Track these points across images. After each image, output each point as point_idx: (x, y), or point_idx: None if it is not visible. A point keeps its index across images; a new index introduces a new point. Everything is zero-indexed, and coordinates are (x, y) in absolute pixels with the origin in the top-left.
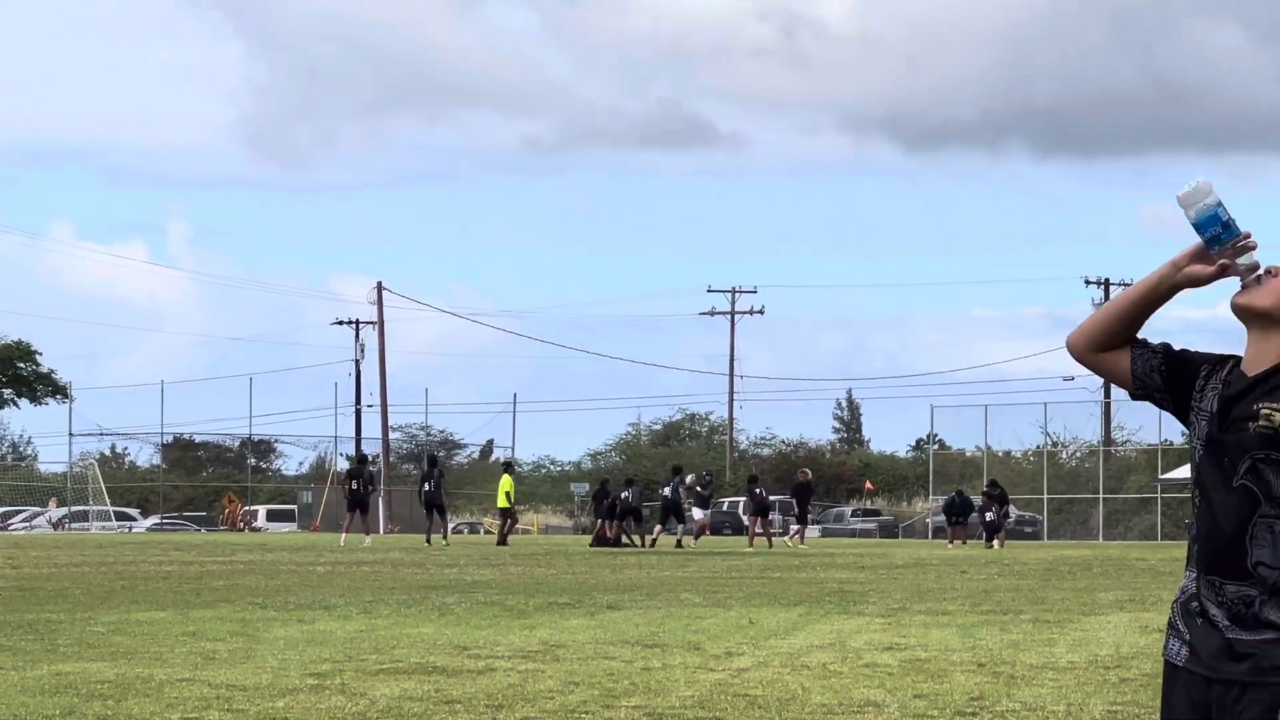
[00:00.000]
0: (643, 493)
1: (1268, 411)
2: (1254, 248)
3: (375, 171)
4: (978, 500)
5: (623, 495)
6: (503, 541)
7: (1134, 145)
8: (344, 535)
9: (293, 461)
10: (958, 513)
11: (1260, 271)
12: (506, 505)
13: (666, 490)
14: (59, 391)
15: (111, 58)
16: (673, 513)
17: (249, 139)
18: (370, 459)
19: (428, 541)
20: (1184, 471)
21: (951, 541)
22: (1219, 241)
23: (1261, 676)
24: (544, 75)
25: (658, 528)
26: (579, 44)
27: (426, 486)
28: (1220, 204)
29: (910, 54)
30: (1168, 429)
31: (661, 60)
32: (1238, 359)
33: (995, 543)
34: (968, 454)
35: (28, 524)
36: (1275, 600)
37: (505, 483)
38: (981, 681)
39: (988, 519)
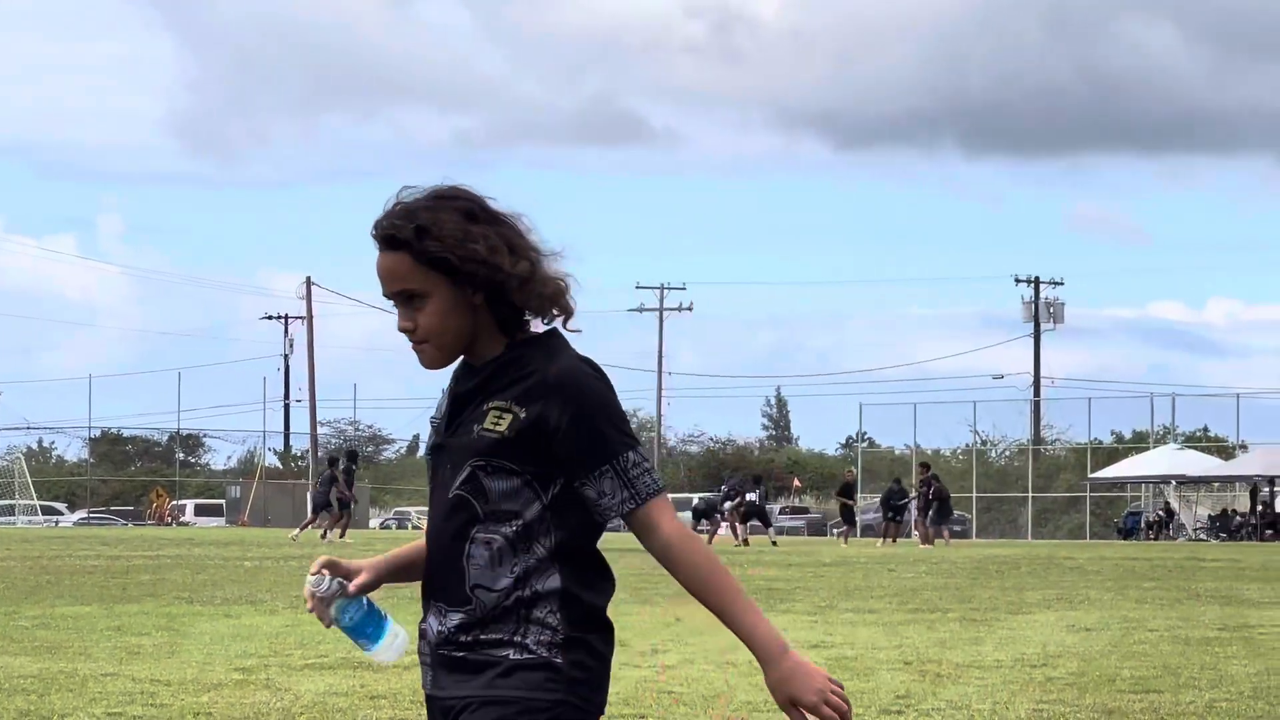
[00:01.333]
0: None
1: (496, 413)
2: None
3: (307, 167)
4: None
5: (748, 496)
6: None
7: (1067, 143)
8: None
9: (221, 456)
10: (895, 509)
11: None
12: None
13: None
14: None
15: (45, 52)
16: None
17: (182, 134)
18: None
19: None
20: (1114, 470)
21: (884, 539)
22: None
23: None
24: (477, 71)
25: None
26: (512, 40)
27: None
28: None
29: (843, 51)
30: (1097, 428)
31: (594, 56)
32: None
33: (932, 541)
34: (897, 452)
35: None
36: (496, 627)
37: None
38: (908, 680)
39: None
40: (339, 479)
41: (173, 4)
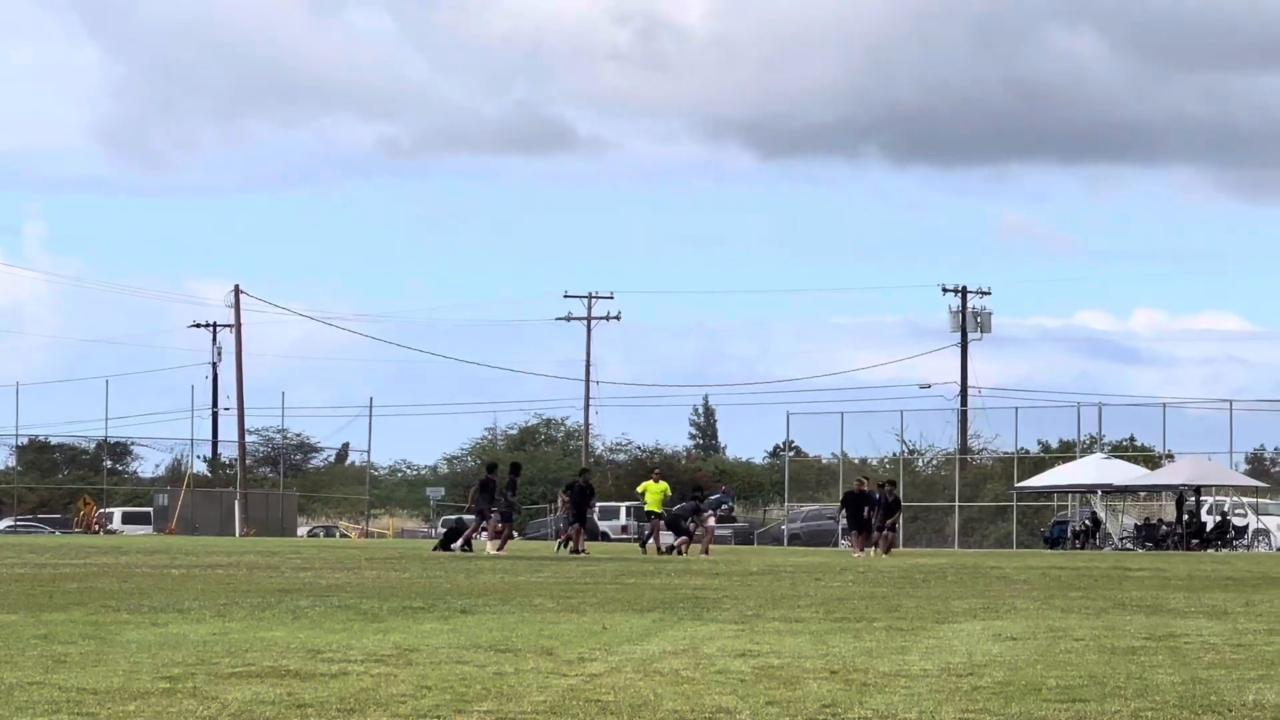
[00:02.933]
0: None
1: None
2: None
3: (233, 174)
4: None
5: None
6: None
7: (992, 152)
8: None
9: (149, 464)
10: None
11: None
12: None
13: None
14: None
15: None
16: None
17: (106, 141)
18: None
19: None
20: (1041, 480)
21: (860, 550)
22: None
23: None
24: (402, 78)
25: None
26: (437, 46)
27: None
28: None
29: (769, 59)
30: (1024, 438)
31: (520, 63)
32: None
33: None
34: (824, 461)
35: None
36: None
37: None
38: (834, 689)
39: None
40: (498, 486)
41: (96, 10)
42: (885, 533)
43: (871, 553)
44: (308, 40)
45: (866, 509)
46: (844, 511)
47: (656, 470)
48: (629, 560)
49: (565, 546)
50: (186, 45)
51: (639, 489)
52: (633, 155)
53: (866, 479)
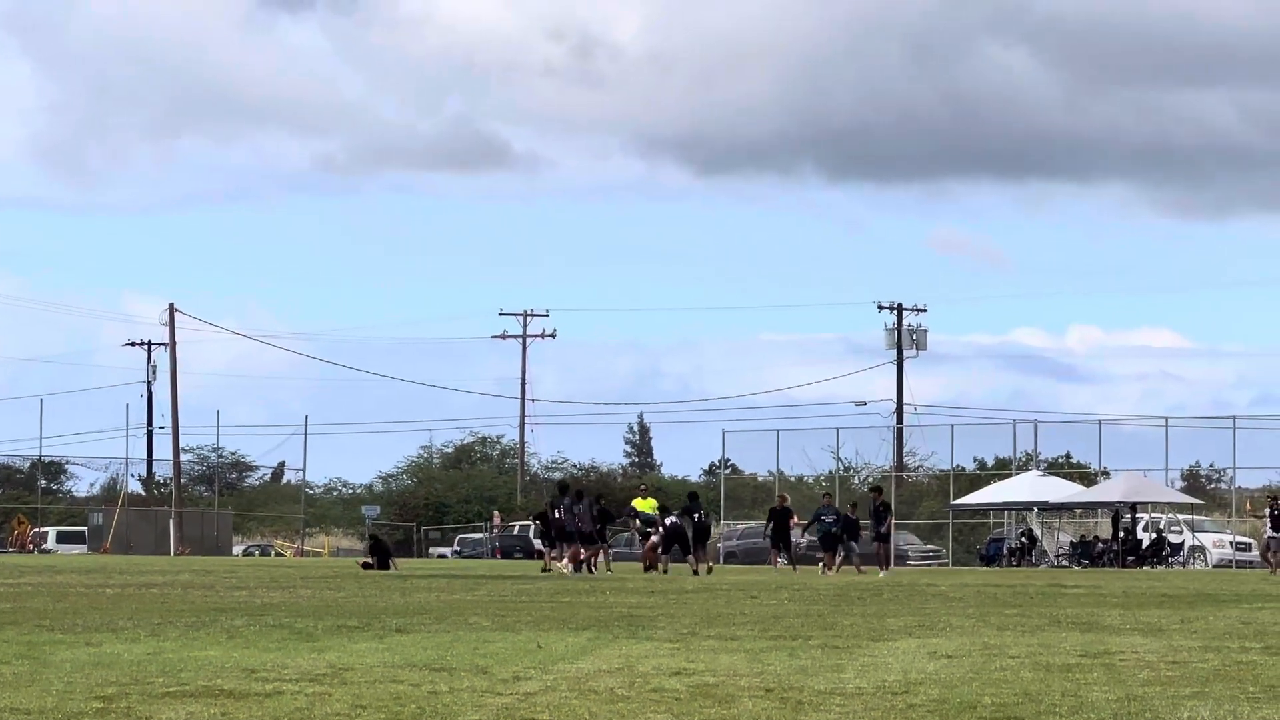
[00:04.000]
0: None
1: None
2: None
3: (167, 191)
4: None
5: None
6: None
7: (927, 168)
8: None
9: (84, 483)
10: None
11: None
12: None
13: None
14: None
15: None
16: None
17: (39, 158)
18: (568, 486)
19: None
20: (977, 497)
21: (828, 568)
22: None
23: None
24: (336, 95)
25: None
26: (371, 63)
27: (556, 514)
28: None
29: (703, 75)
30: (960, 455)
31: (453, 80)
32: None
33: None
34: (760, 478)
35: None
36: None
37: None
38: (769, 707)
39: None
40: (569, 509)
41: (28, 27)
42: (879, 545)
43: (853, 571)
44: (241, 57)
45: (792, 523)
46: (769, 525)
47: (644, 486)
48: (565, 579)
49: (657, 568)
50: (120, 62)
51: (632, 505)
52: (567, 172)
53: (786, 496)
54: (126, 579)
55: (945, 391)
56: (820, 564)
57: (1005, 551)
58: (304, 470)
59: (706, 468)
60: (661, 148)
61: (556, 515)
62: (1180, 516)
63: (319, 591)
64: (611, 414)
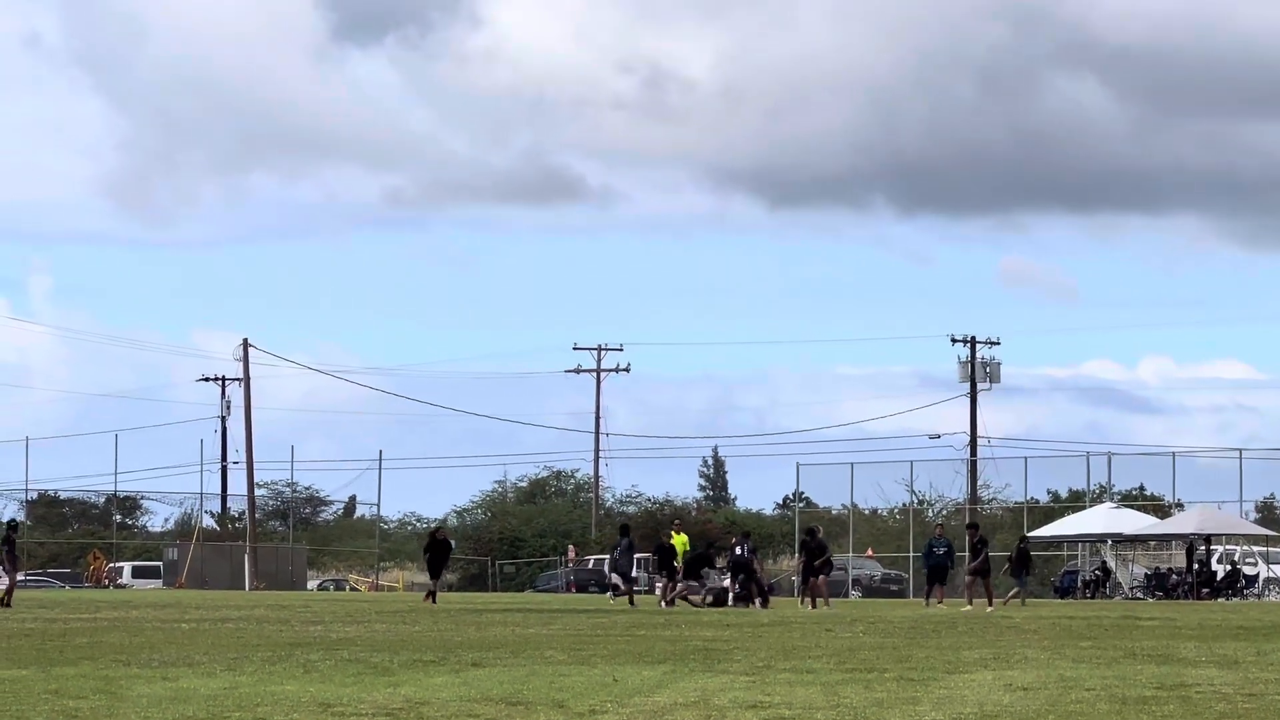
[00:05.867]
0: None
1: None
2: None
3: (238, 226)
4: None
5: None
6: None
7: (997, 200)
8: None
9: (158, 518)
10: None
11: None
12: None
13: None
14: None
15: None
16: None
17: (111, 194)
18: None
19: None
20: (1051, 529)
21: (931, 599)
22: None
23: None
24: (406, 128)
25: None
26: (441, 98)
27: (614, 554)
28: None
29: (774, 108)
30: (1034, 487)
31: (524, 113)
32: None
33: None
34: (834, 512)
35: None
36: None
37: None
38: None
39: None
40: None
41: (99, 64)
42: (971, 579)
43: (965, 606)
44: (311, 92)
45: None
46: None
47: (677, 522)
48: (640, 612)
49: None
50: (189, 98)
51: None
52: (639, 205)
53: (819, 528)
54: (202, 614)
55: (1018, 424)
56: (927, 597)
57: (1079, 583)
58: (378, 504)
59: (781, 501)
60: (733, 181)
61: (615, 555)
62: (1255, 548)
63: (394, 626)
64: (686, 448)
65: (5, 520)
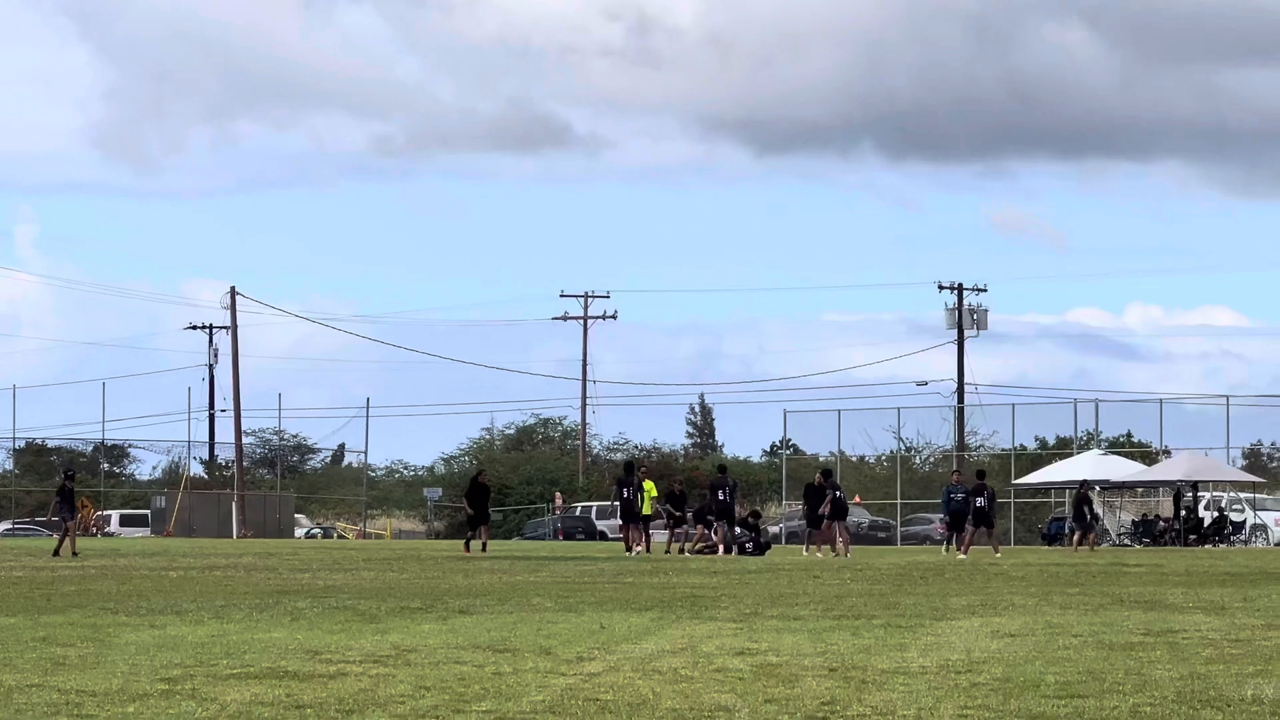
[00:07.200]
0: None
1: None
2: None
3: (226, 175)
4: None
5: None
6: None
7: (985, 148)
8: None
9: (146, 466)
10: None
11: None
12: (649, 511)
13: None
14: None
15: None
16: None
17: (98, 143)
18: (639, 465)
19: (629, 551)
20: (1038, 476)
21: (950, 546)
22: None
23: None
24: (393, 77)
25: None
26: (428, 46)
27: (625, 494)
28: None
29: (762, 55)
30: (1021, 434)
31: (511, 61)
32: None
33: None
34: (821, 459)
35: None
36: None
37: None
38: (832, 686)
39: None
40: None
41: (86, 14)
42: (972, 528)
43: (960, 554)
44: (299, 41)
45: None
46: (804, 506)
47: (644, 469)
48: (627, 560)
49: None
50: (177, 47)
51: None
52: (626, 153)
53: (829, 472)
54: (190, 562)
55: (1006, 371)
56: (944, 542)
57: (1067, 530)
58: (366, 453)
59: (768, 448)
60: (720, 128)
61: (625, 495)
62: (1242, 495)
63: (382, 573)
64: (673, 395)
65: (65, 471)
